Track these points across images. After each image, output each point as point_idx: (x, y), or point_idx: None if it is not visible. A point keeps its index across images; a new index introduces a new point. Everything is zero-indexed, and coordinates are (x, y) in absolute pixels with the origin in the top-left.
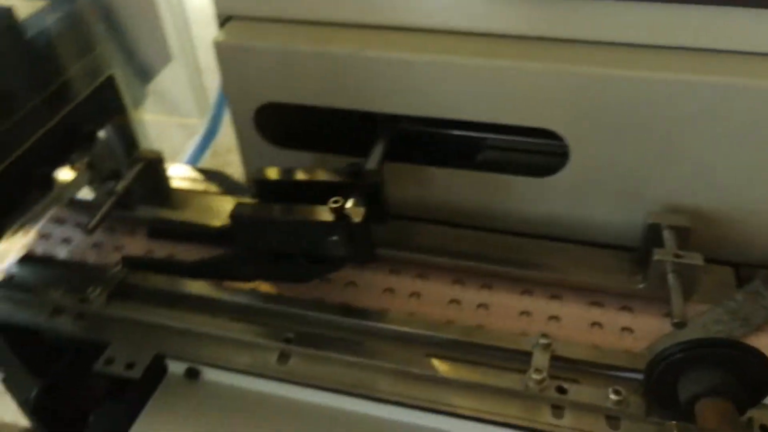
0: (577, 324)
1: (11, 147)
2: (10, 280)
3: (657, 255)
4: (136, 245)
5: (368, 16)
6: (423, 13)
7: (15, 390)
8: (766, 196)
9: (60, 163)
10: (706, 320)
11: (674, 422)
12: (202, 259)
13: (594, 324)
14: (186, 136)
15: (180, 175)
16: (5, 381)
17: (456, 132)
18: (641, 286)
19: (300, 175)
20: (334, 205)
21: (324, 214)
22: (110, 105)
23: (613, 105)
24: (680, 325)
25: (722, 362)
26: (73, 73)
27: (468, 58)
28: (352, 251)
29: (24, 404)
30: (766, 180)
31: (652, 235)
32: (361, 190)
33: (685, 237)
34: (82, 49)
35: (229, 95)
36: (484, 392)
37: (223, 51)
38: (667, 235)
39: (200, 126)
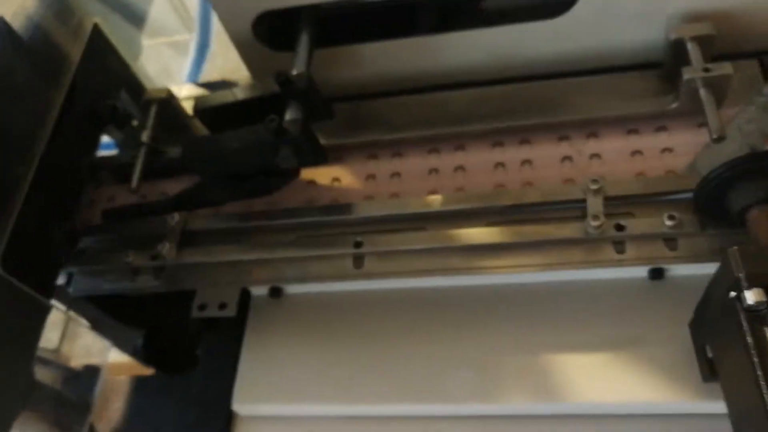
0: (619, 156)
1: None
2: (81, 254)
3: (687, 74)
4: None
5: None
6: None
7: (124, 348)
8: None
9: (93, 148)
10: (739, 122)
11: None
12: (175, 195)
13: (635, 152)
14: (178, 53)
15: (189, 95)
16: (115, 342)
17: None
18: (674, 105)
19: (238, 95)
20: (271, 125)
21: (265, 133)
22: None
23: None
24: (719, 140)
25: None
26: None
27: None
28: (303, 159)
29: (134, 355)
30: None
31: (677, 50)
32: (295, 98)
33: (709, 45)
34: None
35: (219, 12)
36: (548, 246)
37: None
38: (691, 48)
39: (190, 41)
